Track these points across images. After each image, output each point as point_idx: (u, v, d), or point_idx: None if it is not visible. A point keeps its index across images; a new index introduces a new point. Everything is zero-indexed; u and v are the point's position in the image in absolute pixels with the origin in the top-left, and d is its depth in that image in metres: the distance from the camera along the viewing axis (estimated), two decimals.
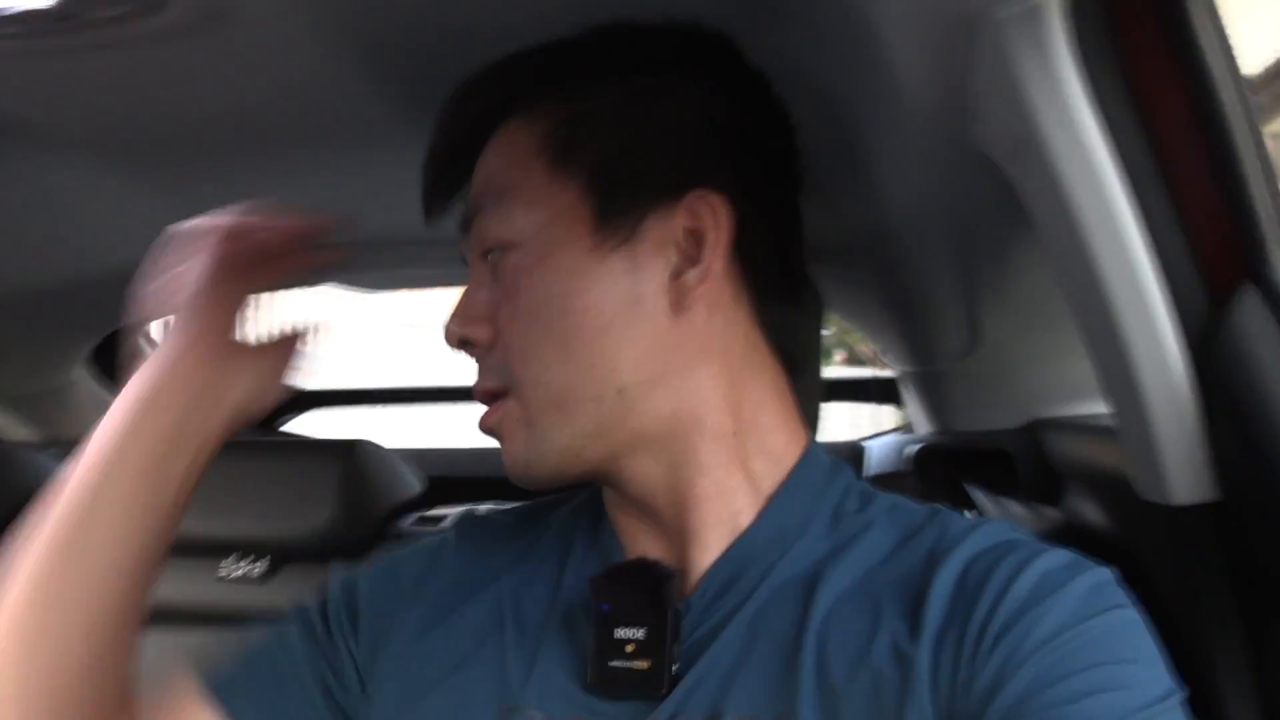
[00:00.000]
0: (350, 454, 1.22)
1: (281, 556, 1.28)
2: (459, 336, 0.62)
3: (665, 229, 0.60)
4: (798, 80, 0.72)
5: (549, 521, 0.70)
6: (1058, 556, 0.55)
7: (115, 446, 0.62)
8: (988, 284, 1.01)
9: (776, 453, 0.63)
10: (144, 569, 0.62)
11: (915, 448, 1.39)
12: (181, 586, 1.30)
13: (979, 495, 1.20)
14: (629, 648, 0.57)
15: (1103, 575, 0.54)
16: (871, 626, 0.54)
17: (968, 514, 1.14)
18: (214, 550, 1.29)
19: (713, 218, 0.60)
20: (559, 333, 0.58)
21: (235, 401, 0.65)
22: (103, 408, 0.65)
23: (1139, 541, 0.89)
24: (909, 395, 1.63)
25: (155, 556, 0.63)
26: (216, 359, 0.64)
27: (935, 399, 1.46)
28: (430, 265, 1.45)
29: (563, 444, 0.59)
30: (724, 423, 0.61)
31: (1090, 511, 1.00)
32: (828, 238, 1.06)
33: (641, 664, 0.56)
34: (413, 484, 1.36)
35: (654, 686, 0.56)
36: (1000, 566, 0.54)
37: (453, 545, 0.71)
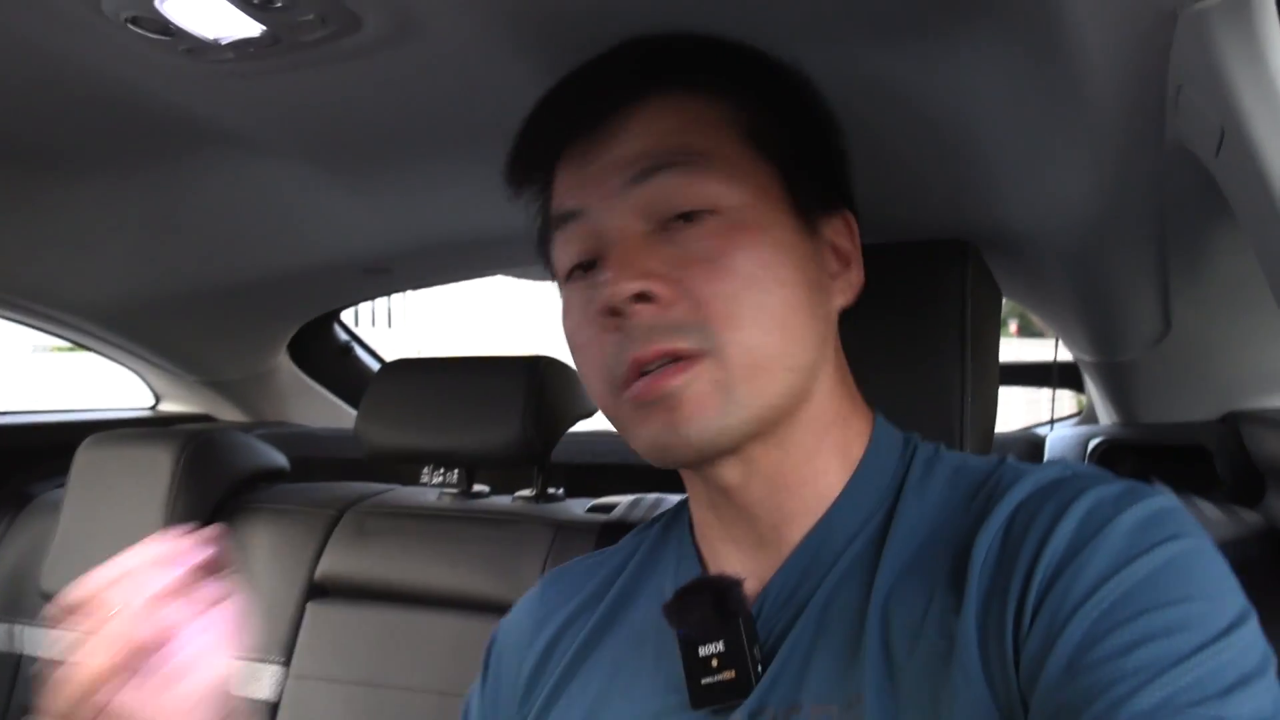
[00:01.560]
0: (534, 369, 1.28)
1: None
2: (636, 290, 0.57)
3: (831, 233, 0.65)
4: (980, 72, 0.70)
5: (646, 544, 0.73)
6: (1106, 488, 0.52)
7: None
8: (1180, 271, 0.96)
9: (858, 441, 0.65)
10: None
11: (1098, 440, 1.33)
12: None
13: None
14: (714, 662, 0.58)
15: (1154, 505, 0.51)
16: (927, 598, 0.54)
17: None
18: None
19: (852, 237, 0.67)
20: (773, 302, 0.58)
21: None
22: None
23: None
24: (1092, 383, 1.56)
25: None
26: None
27: (1121, 388, 1.39)
28: None
29: (756, 412, 0.58)
30: (831, 413, 0.64)
31: None
32: (1004, 227, 1.02)
33: (728, 674, 0.58)
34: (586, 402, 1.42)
35: (743, 691, 0.58)
36: (1042, 514, 0.52)
37: (577, 576, 0.75)
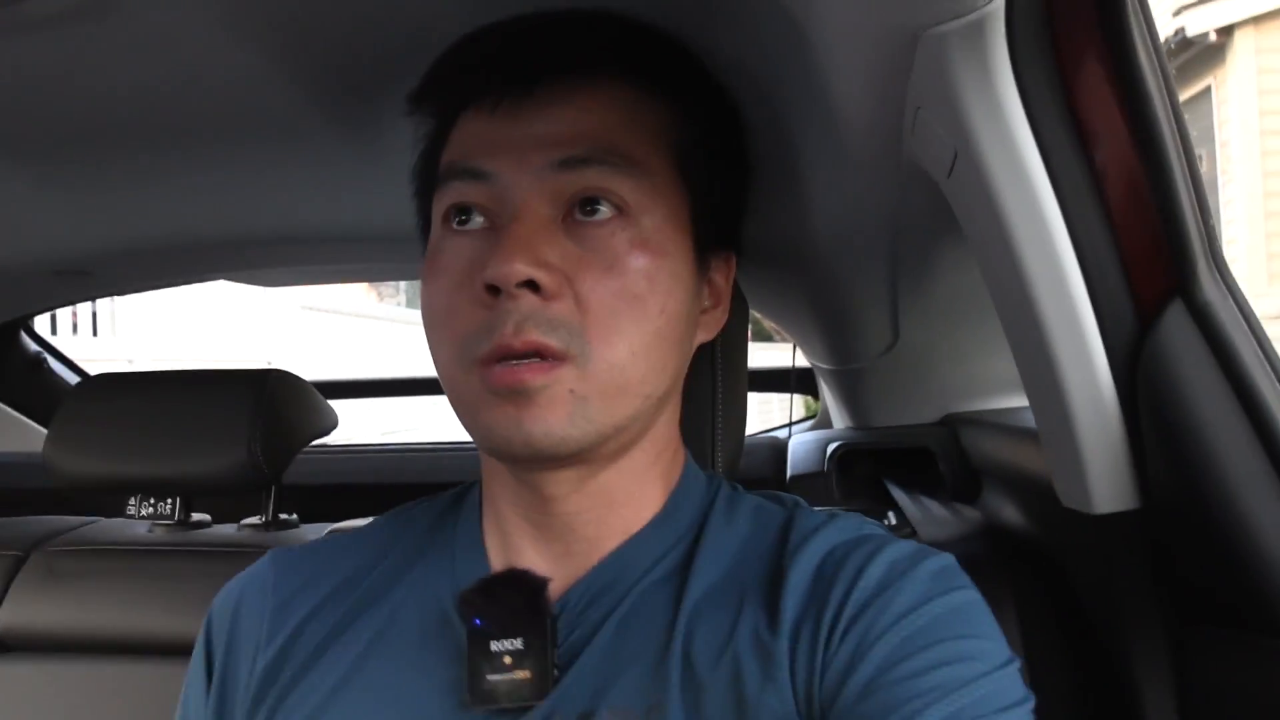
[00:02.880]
0: (263, 383, 1.16)
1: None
2: (527, 277, 0.54)
3: (714, 270, 0.67)
4: (737, 86, 0.70)
5: (414, 529, 0.69)
6: (904, 547, 0.59)
7: None
8: (907, 286, 1.02)
9: (675, 467, 0.67)
10: None
11: (835, 445, 1.40)
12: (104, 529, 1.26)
13: (899, 494, 1.22)
14: (507, 659, 0.57)
15: (946, 560, 0.59)
16: (734, 618, 0.57)
17: (890, 514, 1.15)
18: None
19: (728, 277, 0.69)
20: (651, 328, 0.58)
21: None
22: None
23: (1060, 545, 0.90)
24: (827, 388, 1.65)
25: None
26: None
27: (854, 394, 1.47)
28: (329, 261, 1.40)
29: (602, 428, 0.57)
30: (665, 442, 0.66)
31: (1010, 513, 1.02)
32: (755, 240, 1.05)
33: (523, 674, 0.57)
34: (330, 416, 1.31)
35: (538, 694, 0.57)
36: (851, 558, 0.58)
37: (323, 560, 0.69)
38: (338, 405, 1.35)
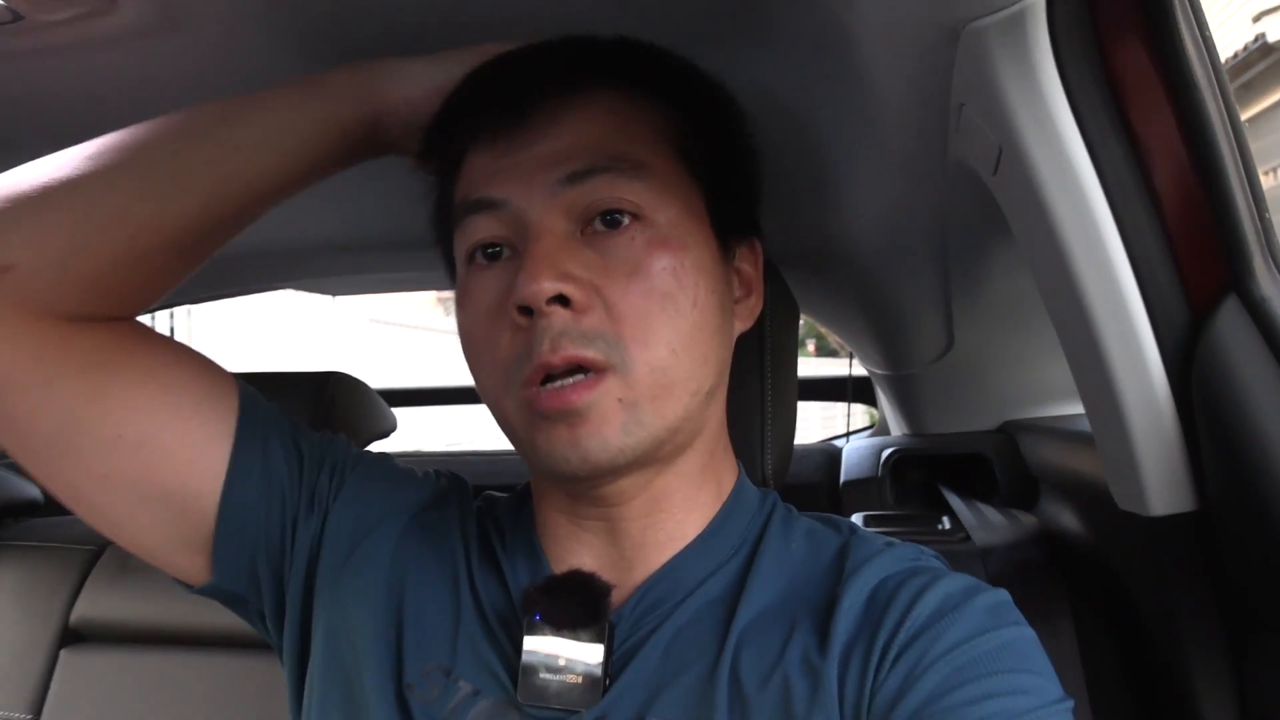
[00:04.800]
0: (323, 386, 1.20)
1: None
2: (555, 292, 0.55)
3: (740, 258, 0.67)
4: (775, 92, 0.71)
5: (484, 521, 0.69)
6: (959, 580, 0.59)
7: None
8: (961, 289, 1.01)
9: (729, 475, 0.67)
10: (253, 189, 0.64)
11: (890, 451, 1.39)
12: None
13: (954, 500, 1.20)
14: (561, 661, 0.57)
15: (1000, 596, 0.58)
16: (784, 640, 0.57)
17: (945, 519, 1.13)
18: None
19: (756, 264, 0.68)
20: (686, 323, 0.58)
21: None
22: None
23: (1117, 549, 0.88)
24: (883, 396, 1.63)
25: (259, 189, 0.65)
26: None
27: (909, 400, 1.46)
28: (393, 270, 1.44)
29: (655, 432, 0.57)
30: (716, 440, 0.65)
31: (1066, 518, 1.00)
32: (803, 244, 1.05)
33: (574, 678, 0.57)
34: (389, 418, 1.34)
35: (587, 700, 0.57)
36: (906, 587, 0.57)
37: (443, 494, 0.71)
38: (403, 416, 1.39)
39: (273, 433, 0.67)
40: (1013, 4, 0.48)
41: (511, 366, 0.57)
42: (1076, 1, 0.50)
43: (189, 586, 0.68)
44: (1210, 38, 0.52)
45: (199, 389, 0.65)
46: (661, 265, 0.57)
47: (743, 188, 0.67)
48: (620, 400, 0.56)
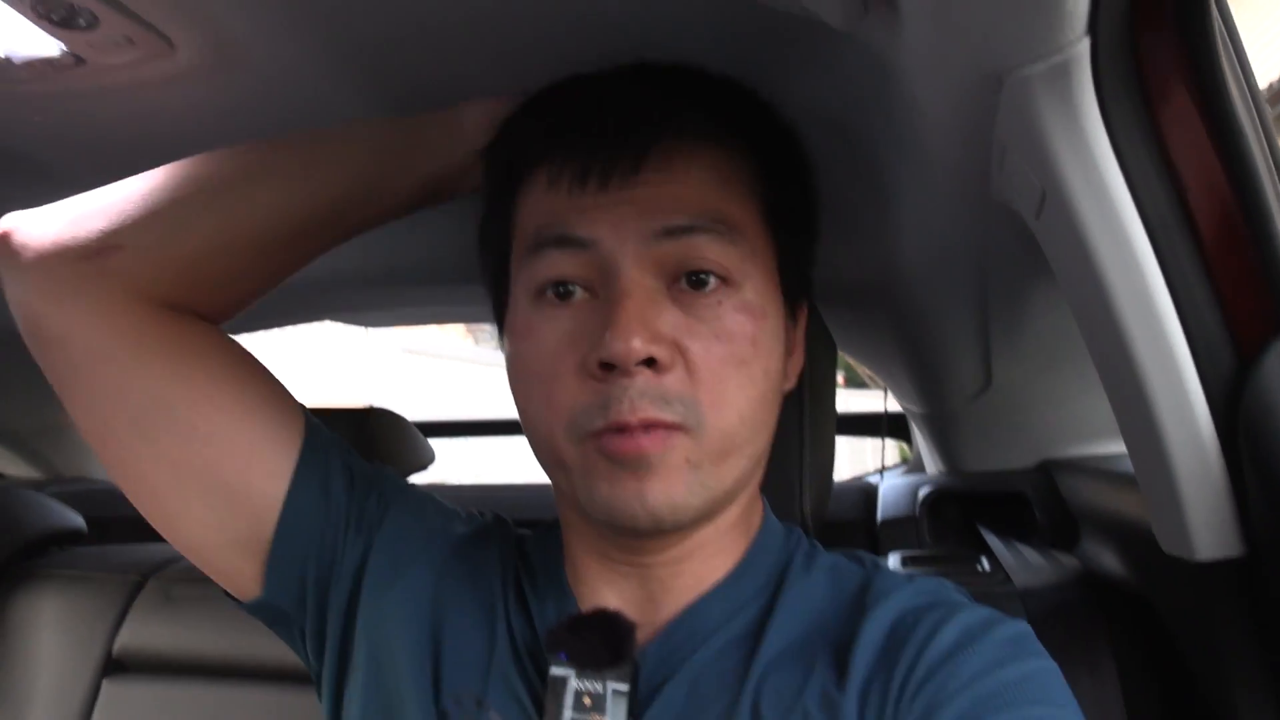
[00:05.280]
0: (364, 423, 1.22)
1: None
2: (647, 355, 0.54)
3: (796, 322, 0.67)
4: (822, 124, 0.71)
5: (518, 559, 0.70)
6: (979, 612, 0.59)
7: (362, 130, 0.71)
8: (1001, 327, 1.00)
9: (756, 517, 0.67)
10: (318, 220, 0.70)
11: (926, 490, 1.38)
12: None
13: (993, 540, 1.19)
14: (586, 700, 0.57)
15: (1020, 627, 0.58)
16: (805, 676, 0.57)
17: (983, 559, 1.12)
18: None
19: (802, 324, 0.69)
20: (756, 391, 0.59)
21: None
22: None
23: (1161, 594, 0.87)
24: (919, 432, 1.62)
25: (323, 224, 0.70)
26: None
27: (946, 438, 1.45)
28: (430, 303, 1.46)
29: (715, 493, 0.58)
30: (752, 491, 0.66)
31: (1109, 560, 0.99)
32: (841, 281, 1.05)
33: (599, 717, 0.57)
34: (427, 451, 1.37)
35: None
36: (925, 620, 0.58)
37: (485, 529, 0.72)
38: (438, 446, 1.40)
39: (334, 451, 0.69)
40: (1058, 53, 0.49)
41: (580, 416, 0.56)
42: (1122, 50, 0.50)
43: (237, 602, 0.69)
44: (1255, 84, 0.52)
45: (272, 399, 0.68)
46: (744, 332, 0.58)
47: (810, 251, 0.68)
48: (687, 460, 0.56)
